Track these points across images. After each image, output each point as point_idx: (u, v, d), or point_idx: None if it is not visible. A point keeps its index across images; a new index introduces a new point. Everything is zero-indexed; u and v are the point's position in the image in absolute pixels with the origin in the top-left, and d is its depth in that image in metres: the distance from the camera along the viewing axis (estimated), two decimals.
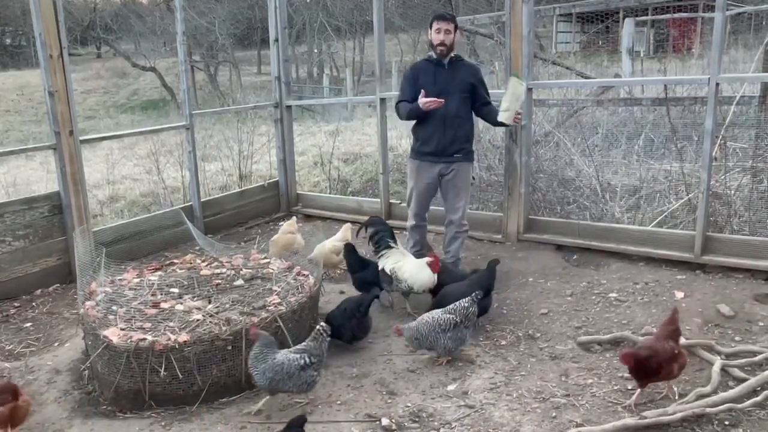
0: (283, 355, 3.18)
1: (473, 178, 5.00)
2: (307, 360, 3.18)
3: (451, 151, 4.63)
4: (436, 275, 4.19)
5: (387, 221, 6.24)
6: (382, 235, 4.55)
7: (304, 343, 3.30)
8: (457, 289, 3.92)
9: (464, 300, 3.57)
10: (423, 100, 4.41)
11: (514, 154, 5.37)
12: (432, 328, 3.49)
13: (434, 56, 4.62)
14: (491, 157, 7.12)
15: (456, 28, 4.58)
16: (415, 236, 5.03)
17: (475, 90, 4.60)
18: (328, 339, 3.31)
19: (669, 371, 3.04)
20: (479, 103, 4.64)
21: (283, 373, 3.13)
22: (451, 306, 3.58)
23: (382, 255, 4.45)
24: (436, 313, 3.57)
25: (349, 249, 4.62)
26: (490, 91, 4.81)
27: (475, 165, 6.98)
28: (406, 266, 4.28)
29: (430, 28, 4.59)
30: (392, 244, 4.51)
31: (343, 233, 5.21)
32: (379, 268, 4.41)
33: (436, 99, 4.41)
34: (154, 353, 3.24)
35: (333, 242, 5.11)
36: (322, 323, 3.34)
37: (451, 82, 4.55)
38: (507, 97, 4.40)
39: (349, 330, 3.79)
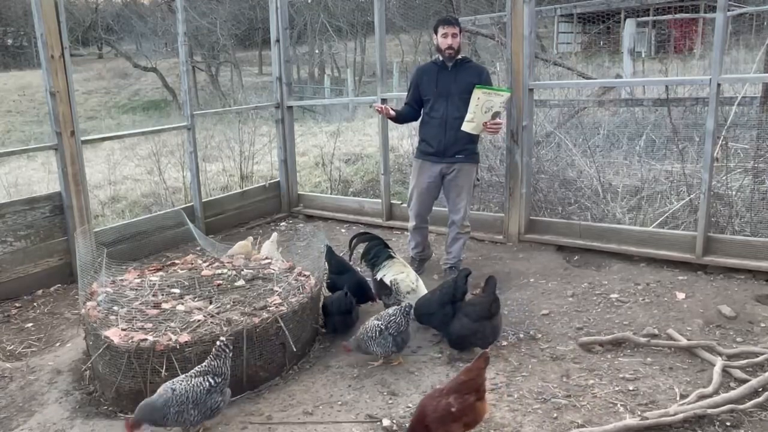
0: (184, 383, 2.95)
1: (477, 179, 4.99)
2: (212, 381, 2.96)
3: (452, 152, 4.65)
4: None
5: (388, 221, 6.28)
6: (378, 249, 4.47)
7: (205, 363, 3.04)
8: (425, 300, 3.96)
9: (392, 308, 3.65)
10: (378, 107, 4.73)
11: (516, 154, 5.38)
12: (362, 334, 3.58)
13: (441, 59, 4.65)
14: (492, 157, 7.11)
15: (461, 31, 4.64)
16: (417, 237, 5.02)
17: None
18: (231, 355, 3.06)
19: None
20: None
21: (189, 402, 2.88)
22: (382, 313, 3.68)
23: (383, 265, 4.31)
24: (370, 320, 3.64)
25: (330, 250, 4.54)
26: None
27: (479, 166, 6.99)
28: (409, 279, 4.16)
29: (436, 33, 4.62)
30: (393, 254, 4.46)
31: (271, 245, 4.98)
32: (377, 278, 4.25)
33: (384, 107, 4.72)
34: (155, 353, 3.24)
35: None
36: (222, 338, 3.08)
37: (453, 83, 4.57)
38: (470, 108, 4.46)
39: (332, 323, 4.04)
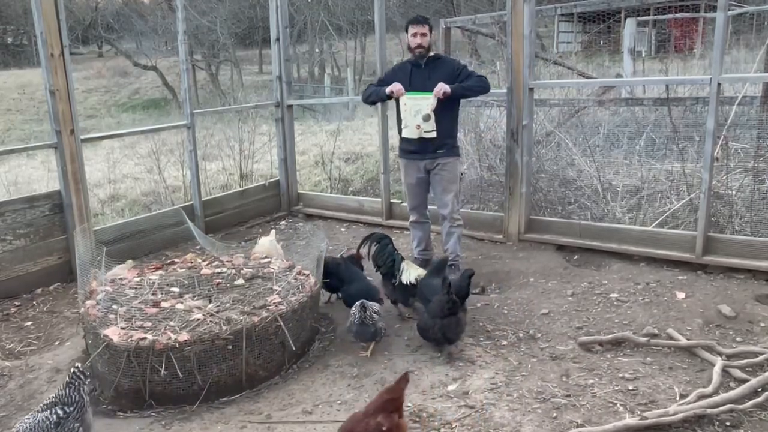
0: (29, 421, 2.72)
1: (462, 173, 5.01)
2: (60, 413, 2.73)
3: (432, 147, 4.69)
4: None
5: (388, 220, 6.28)
6: (391, 250, 4.42)
7: (54, 394, 2.84)
8: (433, 288, 4.02)
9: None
10: (391, 87, 4.58)
11: (516, 154, 5.37)
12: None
13: (413, 58, 4.74)
14: (492, 156, 7.10)
15: (431, 29, 4.71)
16: (418, 233, 5.04)
17: (459, 75, 4.63)
18: (87, 382, 2.88)
19: None
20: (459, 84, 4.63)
21: None
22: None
23: (402, 269, 4.29)
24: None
25: (348, 261, 4.56)
26: (491, 90, 4.86)
27: (476, 165, 7.00)
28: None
29: (407, 33, 4.73)
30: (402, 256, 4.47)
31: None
32: (403, 283, 4.23)
33: (401, 88, 4.56)
34: (155, 352, 3.24)
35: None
36: (78, 365, 2.89)
37: (427, 81, 4.61)
38: (402, 115, 4.64)
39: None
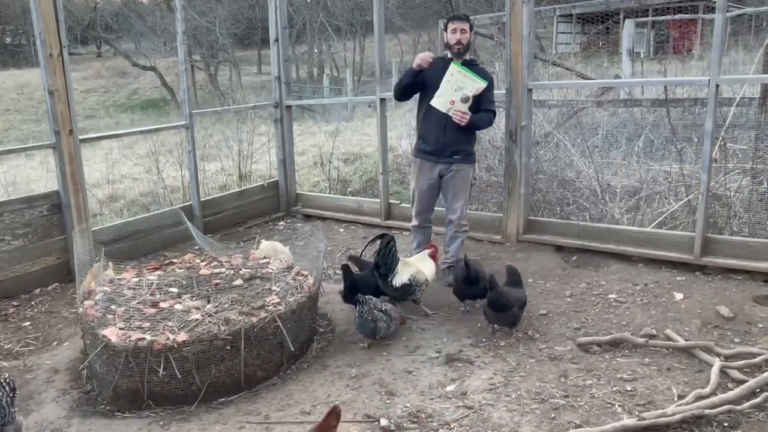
0: None
1: (474, 179, 4.99)
2: None
3: (449, 152, 4.65)
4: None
5: (386, 221, 6.28)
6: (394, 249, 4.35)
7: None
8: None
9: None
10: (421, 55, 4.48)
11: (514, 154, 5.37)
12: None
13: (449, 56, 4.66)
14: (491, 157, 7.12)
15: (471, 27, 4.65)
16: (419, 237, 5.02)
17: (481, 95, 4.56)
18: (13, 395, 2.83)
19: None
20: (478, 107, 4.60)
21: None
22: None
23: (396, 272, 4.24)
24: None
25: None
26: None
27: (476, 166, 7.00)
28: (420, 266, 4.29)
29: (446, 30, 4.67)
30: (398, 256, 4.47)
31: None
32: (398, 285, 4.20)
33: (431, 57, 4.48)
34: (153, 353, 3.23)
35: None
36: (6, 375, 2.85)
37: None
38: (443, 83, 4.48)
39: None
